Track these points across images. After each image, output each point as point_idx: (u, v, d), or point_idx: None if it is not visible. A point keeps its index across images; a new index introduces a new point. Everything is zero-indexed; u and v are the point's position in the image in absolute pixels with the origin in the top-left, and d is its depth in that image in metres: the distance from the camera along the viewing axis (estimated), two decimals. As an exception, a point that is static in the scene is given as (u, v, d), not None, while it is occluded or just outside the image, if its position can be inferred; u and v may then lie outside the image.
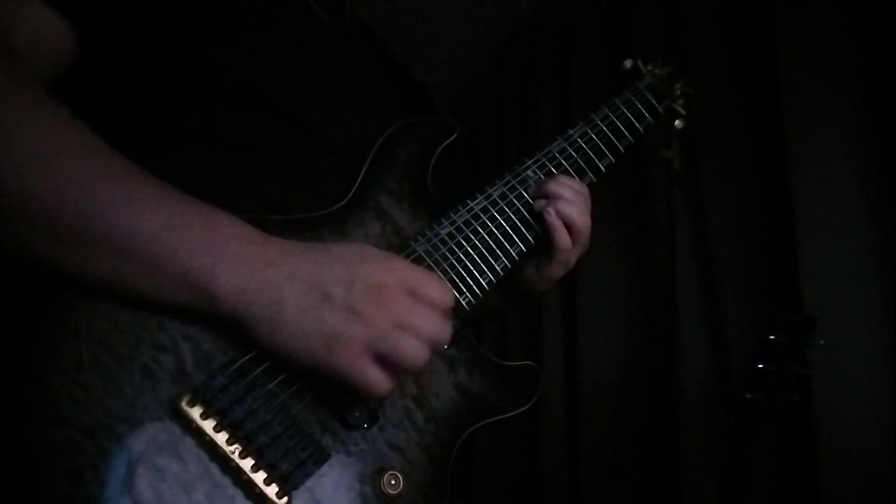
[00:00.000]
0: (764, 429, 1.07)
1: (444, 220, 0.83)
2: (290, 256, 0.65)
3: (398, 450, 0.71)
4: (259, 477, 0.62)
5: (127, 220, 0.60)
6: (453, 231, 0.82)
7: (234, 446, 0.61)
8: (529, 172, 0.91)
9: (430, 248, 0.80)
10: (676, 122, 1.14)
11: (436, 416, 0.75)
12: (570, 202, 0.88)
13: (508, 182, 0.90)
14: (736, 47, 1.72)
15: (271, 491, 0.62)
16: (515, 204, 0.88)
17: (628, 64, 1.14)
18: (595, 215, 0.94)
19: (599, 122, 0.99)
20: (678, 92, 1.13)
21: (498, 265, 0.84)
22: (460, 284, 0.81)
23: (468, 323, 0.82)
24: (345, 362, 0.63)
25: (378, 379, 0.64)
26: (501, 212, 0.87)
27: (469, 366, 0.80)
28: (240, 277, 0.62)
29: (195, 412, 0.61)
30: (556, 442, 2.13)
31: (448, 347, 0.79)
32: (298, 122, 0.80)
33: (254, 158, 0.77)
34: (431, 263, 0.79)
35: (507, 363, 0.83)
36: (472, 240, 0.83)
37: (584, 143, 0.96)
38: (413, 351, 0.64)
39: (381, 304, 0.63)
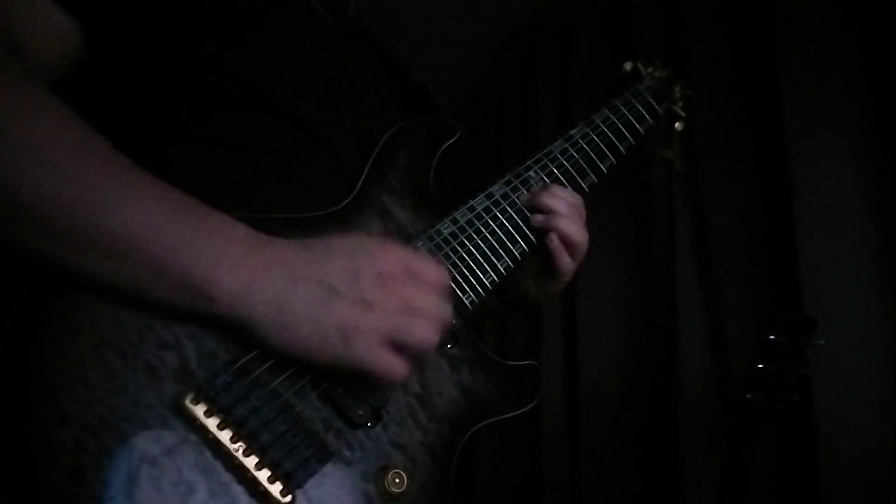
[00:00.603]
0: (764, 429, 1.07)
1: (446, 220, 0.83)
2: (290, 255, 0.65)
3: (402, 448, 0.71)
4: (263, 475, 0.61)
5: (126, 222, 0.60)
6: (456, 230, 0.83)
7: (238, 444, 0.61)
8: (531, 173, 0.92)
9: (432, 247, 0.80)
10: (676, 124, 1.14)
11: (439, 415, 0.76)
12: (567, 217, 0.89)
13: (510, 182, 0.90)
14: (736, 47, 1.72)
15: (275, 489, 0.62)
16: (517, 203, 0.89)
17: (628, 66, 1.14)
18: (595, 215, 0.94)
19: (600, 124, 0.99)
20: (678, 94, 1.14)
21: (501, 265, 0.84)
22: (463, 284, 0.81)
23: (471, 322, 0.82)
24: (364, 353, 0.63)
25: (397, 365, 0.65)
26: (504, 211, 0.87)
27: (472, 365, 0.80)
28: (241, 280, 0.62)
29: (199, 410, 0.61)
30: (556, 442, 2.13)
31: (451, 346, 0.79)
32: (299, 123, 0.80)
33: (254, 158, 0.77)
34: None
35: (509, 363, 0.84)
36: (474, 239, 0.83)
37: (585, 143, 0.96)
38: (425, 332, 0.65)
39: (389, 290, 0.64)
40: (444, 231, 0.82)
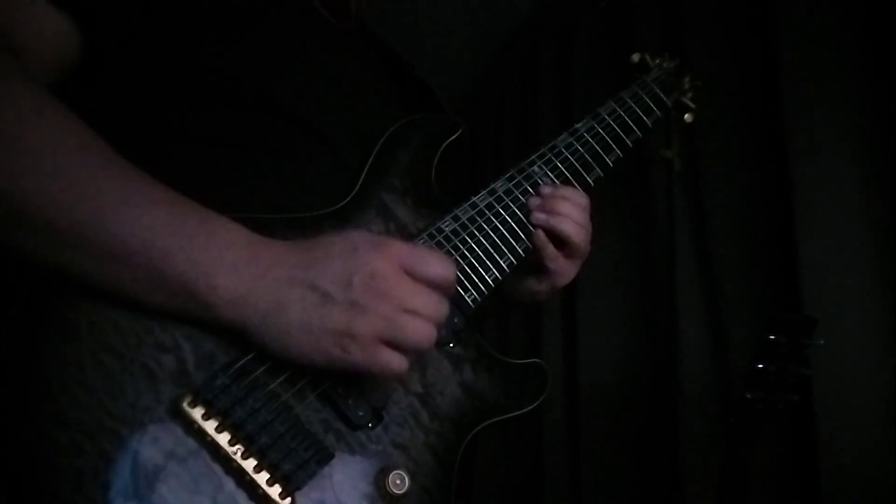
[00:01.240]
0: (764, 429, 1.07)
1: (447, 217, 0.82)
2: (285, 259, 0.64)
3: (403, 449, 0.71)
4: (262, 478, 0.61)
5: (122, 227, 0.60)
6: (457, 228, 0.82)
7: (237, 447, 0.61)
8: (535, 168, 0.91)
9: (433, 245, 0.79)
10: (686, 115, 1.12)
11: (441, 415, 0.75)
12: (568, 218, 0.88)
13: (513, 178, 0.89)
14: (736, 47, 1.72)
15: (274, 492, 0.61)
16: (521, 199, 0.87)
17: (636, 58, 1.12)
18: (595, 215, 0.94)
19: (606, 117, 0.97)
20: (687, 85, 1.12)
21: (504, 262, 0.84)
22: (465, 282, 0.80)
23: (473, 321, 0.81)
24: (359, 356, 0.63)
25: (395, 361, 0.64)
26: (506, 208, 0.86)
27: (475, 364, 0.79)
28: (237, 286, 0.62)
29: (197, 413, 0.60)
30: (557, 442, 2.13)
31: (453, 345, 0.78)
32: (299, 122, 0.80)
33: (255, 158, 0.77)
34: None
35: (513, 361, 0.83)
36: (476, 236, 0.82)
37: (590, 137, 0.95)
38: (420, 331, 0.64)
39: (381, 292, 0.63)
40: (446, 228, 0.81)
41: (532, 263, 0.92)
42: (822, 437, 1.35)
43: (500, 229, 0.84)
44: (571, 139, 0.94)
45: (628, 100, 1.01)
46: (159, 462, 0.58)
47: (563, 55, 2.37)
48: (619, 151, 0.97)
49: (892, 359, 1.33)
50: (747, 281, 1.62)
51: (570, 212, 0.88)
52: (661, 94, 1.05)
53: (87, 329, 0.60)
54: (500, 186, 0.87)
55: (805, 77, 1.50)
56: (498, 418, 0.79)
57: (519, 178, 0.89)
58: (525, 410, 0.81)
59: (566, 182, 0.91)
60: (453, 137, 0.87)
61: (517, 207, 0.87)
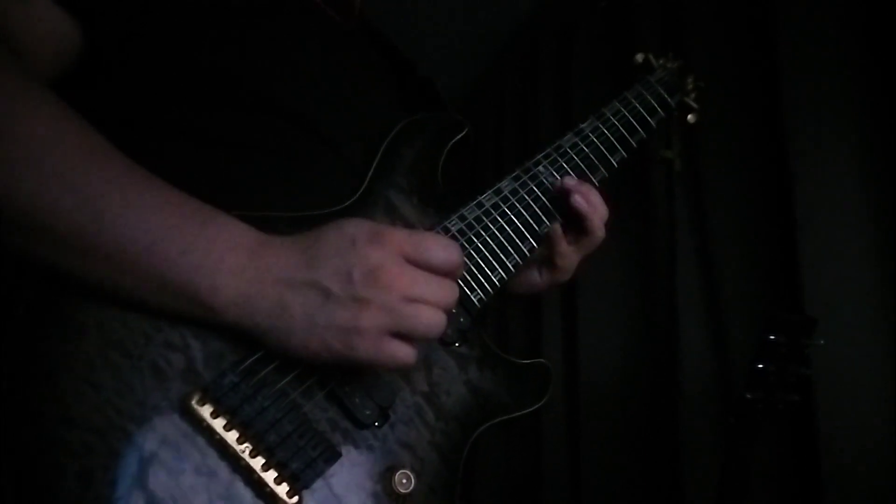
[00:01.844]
0: (764, 429, 1.08)
1: (453, 217, 0.82)
2: (285, 259, 0.64)
3: (409, 448, 0.71)
4: (269, 476, 0.61)
5: (123, 231, 0.60)
6: (464, 227, 0.81)
7: (245, 445, 0.61)
8: (541, 167, 0.90)
9: None
10: (689, 116, 1.12)
11: (447, 414, 0.75)
12: (600, 216, 0.90)
13: (519, 177, 0.89)
14: (736, 47, 1.72)
15: (282, 490, 0.61)
16: (526, 199, 0.87)
17: (639, 58, 1.12)
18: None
19: (611, 117, 0.97)
20: (690, 86, 1.12)
21: (509, 262, 0.83)
22: (471, 282, 0.80)
23: (479, 320, 0.81)
24: (367, 351, 0.62)
25: (401, 352, 0.63)
26: (512, 208, 0.86)
27: (480, 363, 0.79)
28: (238, 290, 0.62)
29: (205, 411, 0.60)
30: (556, 442, 2.13)
31: (459, 345, 0.78)
32: (302, 122, 0.80)
33: (257, 158, 0.77)
34: None
35: (518, 361, 0.83)
36: (483, 236, 0.82)
37: (595, 137, 0.95)
38: (428, 320, 0.64)
39: (384, 284, 0.62)
40: (452, 227, 0.81)
41: (539, 257, 0.93)
42: (822, 436, 1.35)
43: (506, 229, 0.84)
44: (576, 139, 0.94)
45: (633, 100, 1.01)
46: (168, 459, 0.58)
47: (563, 55, 2.37)
48: (623, 152, 0.97)
49: (892, 359, 1.33)
50: (747, 281, 1.63)
51: (600, 205, 0.89)
52: (666, 95, 1.05)
53: (96, 327, 0.60)
54: (506, 186, 0.87)
55: (805, 77, 1.51)
56: (503, 418, 0.79)
57: (525, 177, 0.89)
58: (530, 410, 0.81)
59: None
60: (459, 136, 0.87)
61: (523, 208, 0.87)
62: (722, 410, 1.58)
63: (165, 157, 0.68)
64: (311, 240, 0.65)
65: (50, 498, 0.55)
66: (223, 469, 0.61)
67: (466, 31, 2.63)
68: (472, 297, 0.80)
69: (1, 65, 0.63)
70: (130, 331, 0.61)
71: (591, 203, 0.89)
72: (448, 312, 0.66)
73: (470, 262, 0.80)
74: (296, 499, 0.62)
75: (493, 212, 0.84)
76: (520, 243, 0.85)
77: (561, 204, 0.89)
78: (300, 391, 0.66)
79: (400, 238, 0.65)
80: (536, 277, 0.97)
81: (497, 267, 0.82)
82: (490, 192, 0.86)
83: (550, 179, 0.90)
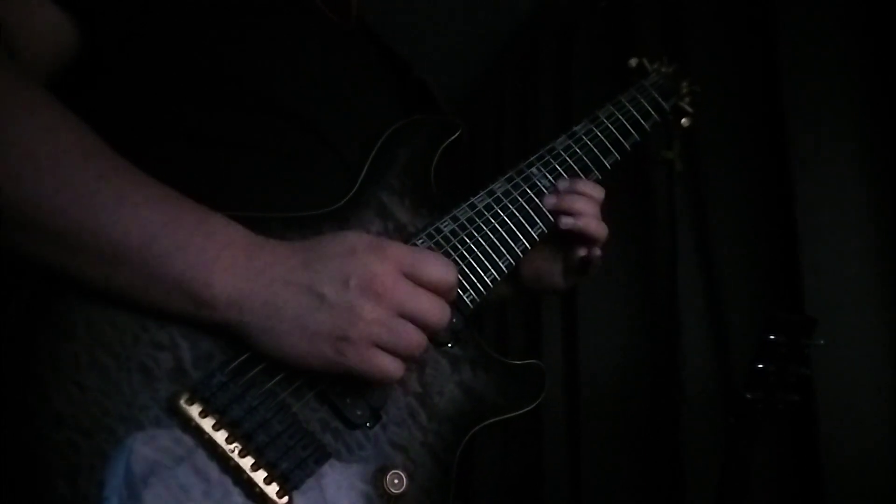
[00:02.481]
0: (764, 429, 1.07)
1: (446, 218, 0.82)
2: (282, 260, 0.64)
3: (401, 449, 0.70)
4: (259, 476, 0.61)
5: (118, 228, 0.59)
6: (456, 228, 0.81)
7: (234, 445, 0.61)
8: (534, 170, 0.91)
9: (431, 245, 0.79)
10: (683, 120, 1.13)
11: (439, 415, 0.75)
12: (594, 217, 0.91)
13: (512, 179, 0.89)
14: (736, 47, 1.72)
15: (271, 490, 0.61)
16: (519, 201, 0.87)
17: (634, 62, 1.13)
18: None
19: (605, 120, 0.98)
20: (685, 90, 1.12)
21: (502, 263, 0.83)
22: (464, 282, 0.80)
23: (472, 320, 0.81)
24: (355, 360, 0.62)
25: (391, 366, 0.64)
26: (505, 209, 0.86)
27: (473, 364, 0.79)
28: (233, 287, 0.61)
29: (194, 410, 0.60)
30: (557, 442, 2.13)
31: (452, 346, 0.78)
32: (300, 121, 0.80)
33: (255, 158, 0.77)
34: None
35: (511, 361, 0.82)
36: (475, 237, 0.82)
37: (589, 140, 0.95)
38: (414, 338, 0.64)
39: (377, 296, 0.62)
40: (444, 229, 0.81)
41: (558, 259, 0.96)
42: (822, 436, 1.35)
43: (498, 230, 0.84)
44: (570, 142, 0.94)
45: (626, 104, 1.01)
46: (156, 459, 0.58)
47: (563, 55, 2.37)
48: (616, 155, 0.97)
49: (892, 359, 1.33)
50: (748, 281, 1.62)
51: (592, 210, 0.90)
52: (660, 99, 1.05)
53: (84, 327, 0.60)
54: (499, 188, 0.87)
55: (805, 78, 1.51)
56: (496, 419, 0.79)
57: (517, 179, 0.89)
58: (523, 411, 0.80)
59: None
60: (452, 138, 0.87)
61: (515, 209, 0.87)
62: (722, 410, 1.57)
63: (163, 157, 0.69)
64: (310, 245, 0.66)
65: (37, 497, 0.55)
66: (212, 469, 0.60)
67: (466, 31, 2.63)
68: (464, 297, 0.80)
69: None
70: (119, 331, 0.61)
71: (579, 212, 0.90)
72: (436, 332, 0.66)
73: (462, 262, 0.80)
74: (286, 499, 0.61)
75: (485, 213, 0.84)
76: (512, 244, 0.85)
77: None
78: (290, 391, 0.66)
79: (399, 252, 0.65)
80: (559, 281, 0.98)
81: (490, 267, 0.82)
82: (483, 193, 0.86)
83: (543, 181, 0.90)
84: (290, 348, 0.62)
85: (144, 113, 0.75)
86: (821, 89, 1.49)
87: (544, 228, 0.88)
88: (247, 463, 0.61)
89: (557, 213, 0.90)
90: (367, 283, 0.62)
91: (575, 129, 0.96)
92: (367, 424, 0.69)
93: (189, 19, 0.75)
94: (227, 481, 0.61)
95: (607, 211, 0.93)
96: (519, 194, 0.88)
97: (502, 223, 0.85)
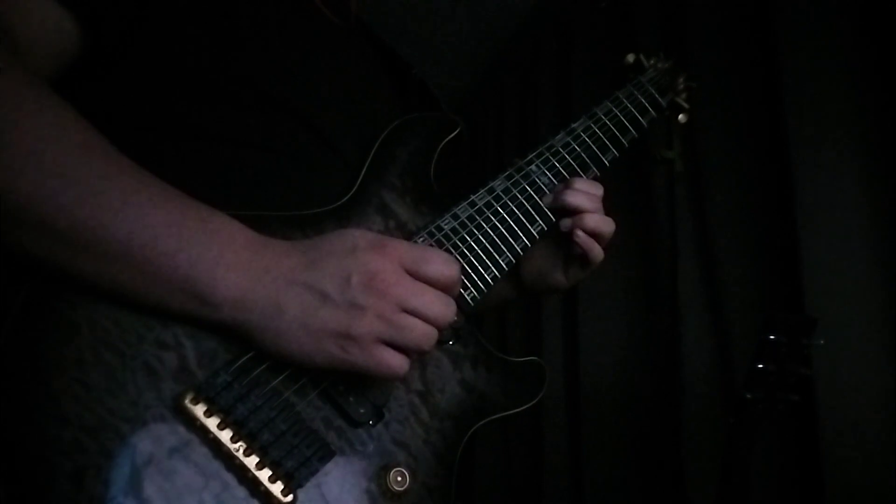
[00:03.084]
0: (764, 429, 1.07)
1: (446, 216, 0.82)
2: (285, 259, 0.64)
3: (404, 446, 0.71)
4: (264, 474, 0.61)
5: (122, 226, 0.60)
6: (456, 226, 0.82)
7: (239, 444, 0.61)
8: (533, 167, 0.91)
9: (433, 243, 0.79)
10: (680, 116, 1.13)
11: (441, 413, 0.75)
12: (593, 213, 0.91)
13: (511, 176, 0.89)
14: (737, 47, 1.72)
15: (276, 488, 0.61)
16: (519, 198, 0.88)
17: (630, 58, 1.13)
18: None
19: (602, 117, 0.98)
20: (681, 86, 1.12)
21: (503, 260, 0.84)
22: (464, 280, 0.80)
23: (473, 318, 0.82)
24: (360, 357, 0.63)
25: (396, 362, 0.64)
26: (505, 206, 0.86)
27: (474, 362, 0.79)
28: (237, 286, 0.62)
29: (198, 409, 0.60)
30: (557, 442, 2.13)
31: (453, 343, 0.79)
32: (300, 120, 0.80)
33: (256, 156, 0.77)
34: None
35: (512, 359, 0.83)
36: (475, 234, 0.82)
37: (587, 136, 0.95)
38: (420, 333, 0.64)
39: (381, 292, 0.63)
40: (445, 227, 0.81)
41: (559, 256, 0.96)
42: (822, 436, 1.35)
43: (498, 228, 0.85)
44: (568, 139, 0.95)
45: (624, 100, 1.02)
46: (161, 459, 0.58)
47: (563, 55, 2.37)
48: (615, 151, 0.98)
49: (892, 359, 1.33)
50: (748, 281, 1.62)
51: (591, 205, 0.90)
52: (657, 95, 1.06)
53: (88, 327, 0.60)
54: (499, 185, 0.88)
55: (806, 76, 1.50)
56: (497, 415, 0.79)
57: (517, 176, 0.89)
58: (524, 408, 0.81)
59: (564, 181, 0.92)
60: (452, 136, 0.87)
61: (515, 206, 0.87)
62: (722, 410, 1.57)
63: (165, 154, 0.69)
64: (313, 244, 0.66)
65: (42, 497, 0.55)
66: (217, 468, 0.61)
67: (466, 31, 2.63)
68: (465, 295, 0.80)
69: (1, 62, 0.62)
70: (123, 330, 0.61)
71: (582, 209, 0.90)
72: (441, 327, 0.66)
73: (463, 260, 0.80)
74: (290, 497, 0.62)
75: (485, 210, 0.85)
76: (513, 242, 0.85)
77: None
78: (293, 390, 0.66)
79: (401, 248, 0.66)
80: (561, 278, 0.98)
81: (490, 265, 0.82)
82: (483, 191, 0.87)
83: (542, 179, 0.90)
84: (294, 347, 0.63)
85: (145, 111, 0.75)
86: (821, 89, 1.49)
87: (544, 226, 0.89)
88: (251, 461, 0.61)
89: (559, 212, 0.90)
90: (369, 279, 0.63)
91: (573, 125, 0.97)
92: (370, 422, 0.69)
93: (190, 19, 0.75)
94: (232, 480, 0.61)
95: (607, 210, 0.94)
96: (518, 192, 0.88)
97: (502, 221, 0.85)
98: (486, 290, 0.82)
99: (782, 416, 1.07)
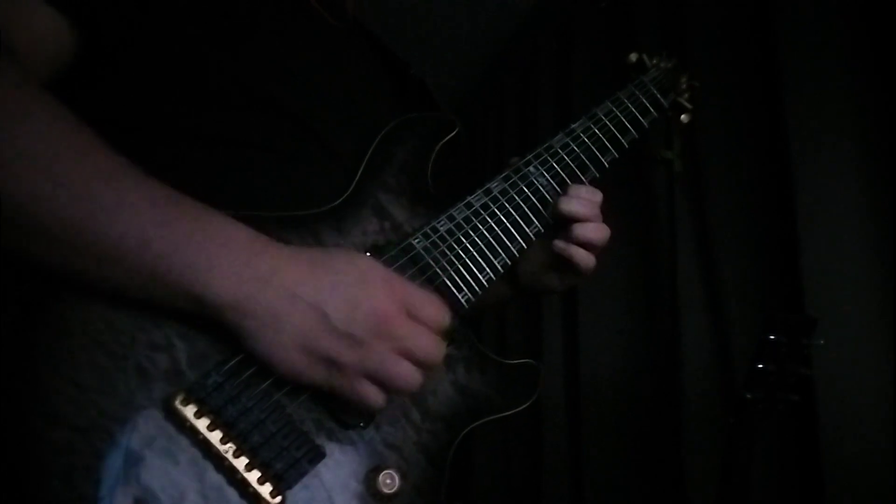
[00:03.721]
0: (764, 429, 1.07)
1: (442, 217, 0.82)
2: (288, 269, 0.64)
3: (395, 448, 0.71)
4: (253, 476, 0.61)
5: (117, 228, 0.59)
6: (452, 227, 0.81)
7: (228, 445, 0.61)
8: (531, 168, 0.90)
9: (428, 244, 0.78)
10: (682, 116, 1.11)
11: (433, 415, 0.75)
12: (590, 222, 0.90)
13: (509, 178, 0.88)
14: (737, 47, 1.71)
15: (265, 490, 0.61)
16: (516, 200, 0.87)
17: (633, 57, 1.11)
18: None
19: (603, 117, 0.97)
20: (684, 86, 1.11)
21: (498, 262, 0.83)
22: (459, 281, 0.79)
23: (467, 321, 0.81)
24: (343, 385, 0.64)
25: (374, 398, 0.65)
26: (502, 208, 0.85)
27: (468, 364, 0.79)
28: (235, 290, 0.61)
29: (189, 411, 0.60)
30: (557, 442, 2.13)
31: (447, 345, 0.78)
32: (298, 121, 0.80)
33: (253, 157, 0.77)
34: (430, 261, 0.77)
35: (506, 361, 0.82)
36: (471, 236, 0.82)
37: (586, 137, 0.94)
38: (406, 378, 0.66)
39: (382, 332, 0.64)
40: (441, 228, 0.80)
41: (554, 260, 0.94)
42: (822, 436, 1.35)
43: (495, 229, 0.84)
44: (567, 139, 0.93)
45: (625, 100, 1.00)
46: (151, 460, 0.58)
47: (563, 55, 2.37)
48: (615, 152, 0.96)
49: (892, 359, 1.32)
50: (748, 281, 1.62)
51: (588, 214, 0.90)
52: (658, 95, 1.04)
53: (80, 327, 0.60)
54: (496, 186, 0.87)
55: (806, 77, 1.50)
56: (490, 418, 0.79)
57: (515, 178, 0.88)
58: (517, 410, 0.81)
59: (562, 183, 0.91)
60: (449, 136, 0.86)
61: (512, 208, 0.86)
62: (722, 410, 1.57)
63: (162, 155, 0.69)
64: (319, 258, 0.66)
65: (32, 497, 0.55)
66: (207, 469, 0.61)
67: (466, 31, 2.63)
68: (459, 297, 0.79)
69: None
70: (115, 331, 0.61)
71: (580, 217, 0.90)
72: (429, 369, 0.68)
73: (458, 262, 0.80)
74: (279, 499, 0.62)
75: (482, 212, 0.84)
76: (508, 243, 0.84)
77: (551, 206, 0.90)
78: (284, 392, 0.66)
79: (407, 290, 0.68)
80: (556, 282, 0.98)
81: (485, 267, 0.82)
82: (480, 192, 0.86)
83: (540, 180, 0.89)
84: (283, 360, 0.63)
85: (141, 112, 0.75)
86: (822, 89, 1.48)
87: (540, 227, 0.88)
88: (241, 463, 0.61)
89: (556, 218, 0.89)
90: (373, 316, 0.64)
91: (573, 126, 0.95)
92: (361, 424, 0.69)
93: (187, 20, 0.75)
94: (222, 481, 0.61)
95: (606, 211, 0.93)
96: (516, 193, 0.87)
97: (498, 222, 0.84)
98: (480, 292, 0.81)
99: (782, 416, 1.07)
